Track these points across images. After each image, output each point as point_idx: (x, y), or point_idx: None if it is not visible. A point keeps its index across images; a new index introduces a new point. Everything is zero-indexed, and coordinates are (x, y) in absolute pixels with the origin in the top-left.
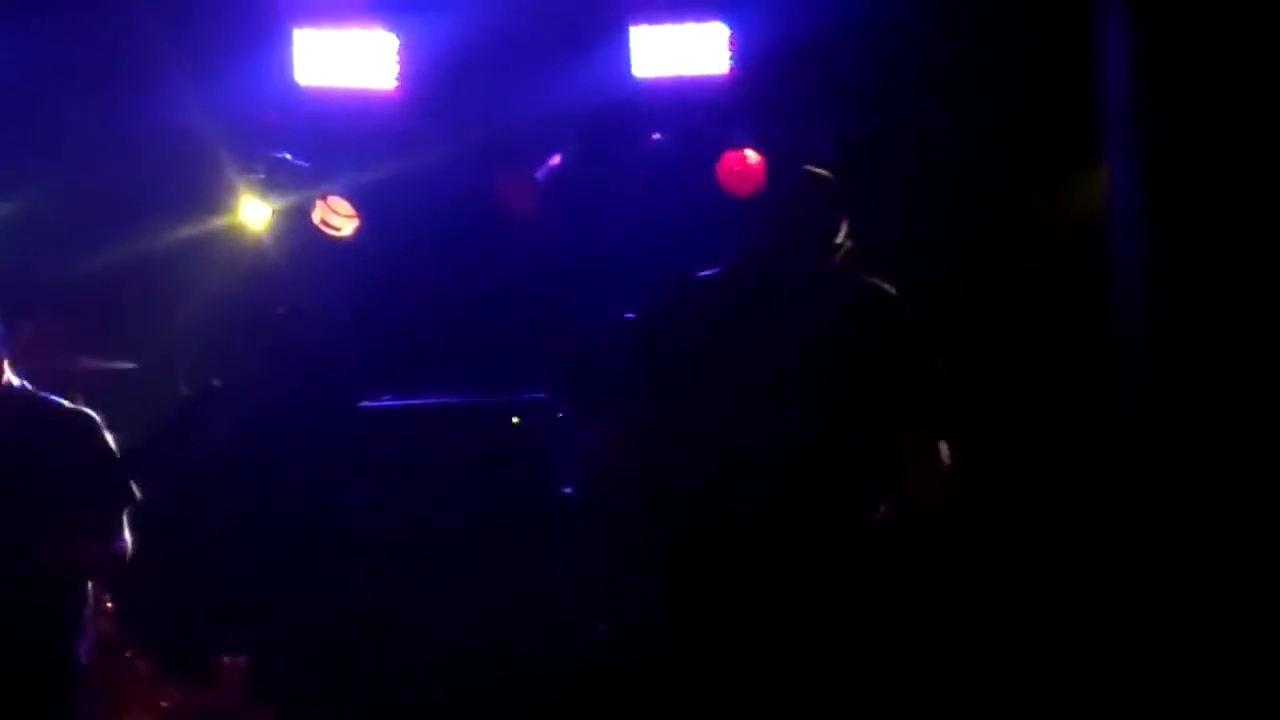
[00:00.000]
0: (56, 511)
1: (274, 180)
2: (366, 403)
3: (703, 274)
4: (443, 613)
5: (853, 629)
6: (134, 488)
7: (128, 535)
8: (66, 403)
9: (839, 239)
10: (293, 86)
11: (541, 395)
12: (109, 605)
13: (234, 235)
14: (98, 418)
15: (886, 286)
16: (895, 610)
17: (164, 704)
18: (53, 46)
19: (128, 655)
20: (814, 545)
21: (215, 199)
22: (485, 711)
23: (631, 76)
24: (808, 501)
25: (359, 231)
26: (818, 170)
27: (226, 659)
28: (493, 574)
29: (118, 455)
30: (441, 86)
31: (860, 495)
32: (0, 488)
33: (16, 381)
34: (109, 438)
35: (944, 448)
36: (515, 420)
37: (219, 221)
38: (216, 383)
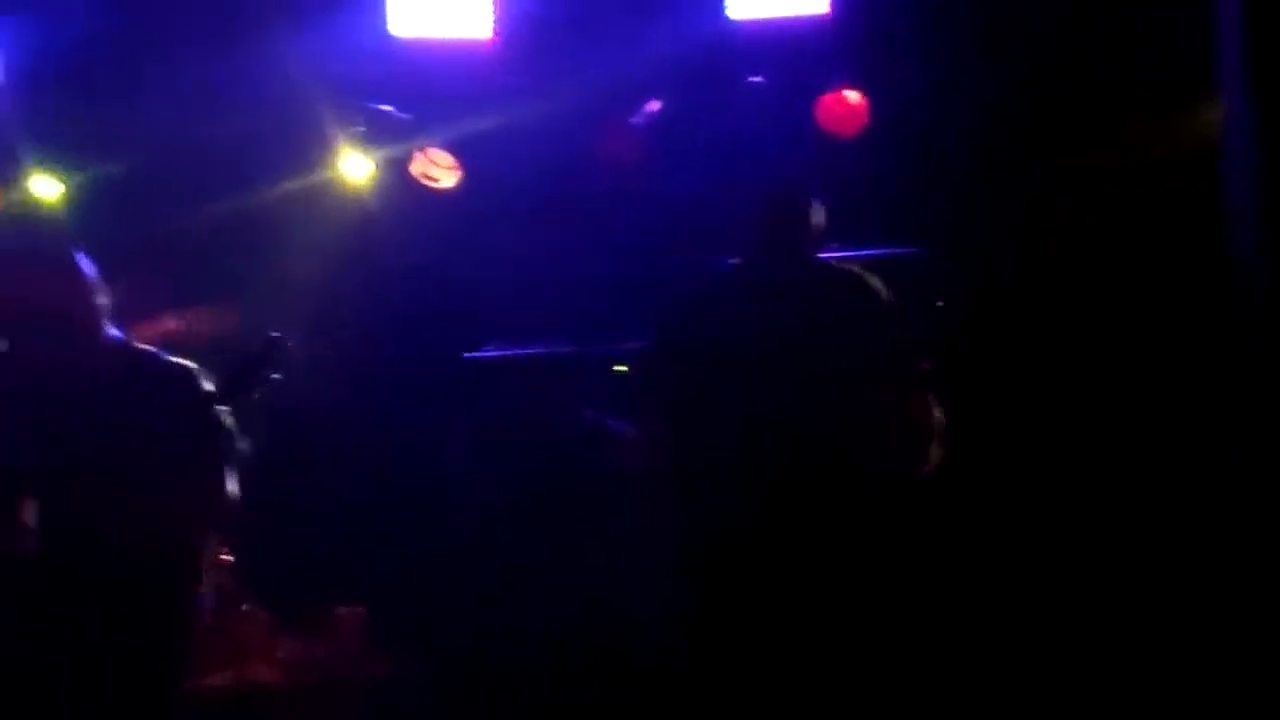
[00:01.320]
0: (161, 463)
1: (374, 133)
2: (470, 354)
3: (713, 271)
4: (549, 562)
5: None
6: (238, 439)
7: (234, 486)
8: (165, 355)
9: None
10: (388, 38)
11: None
12: (225, 558)
13: (335, 190)
14: (197, 369)
15: (865, 276)
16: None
17: (282, 655)
18: (150, 4)
19: (245, 608)
20: (830, 522)
21: (316, 154)
22: (591, 663)
23: (727, 18)
24: (822, 484)
25: (460, 183)
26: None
27: (344, 610)
28: (597, 526)
29: (220, 406)
30: (538, 33)
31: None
32: (104, 441)
33: (118, 338)
34: (210, 388)
35: (936, 412)
36: (620, 369)
37: (320, 177)
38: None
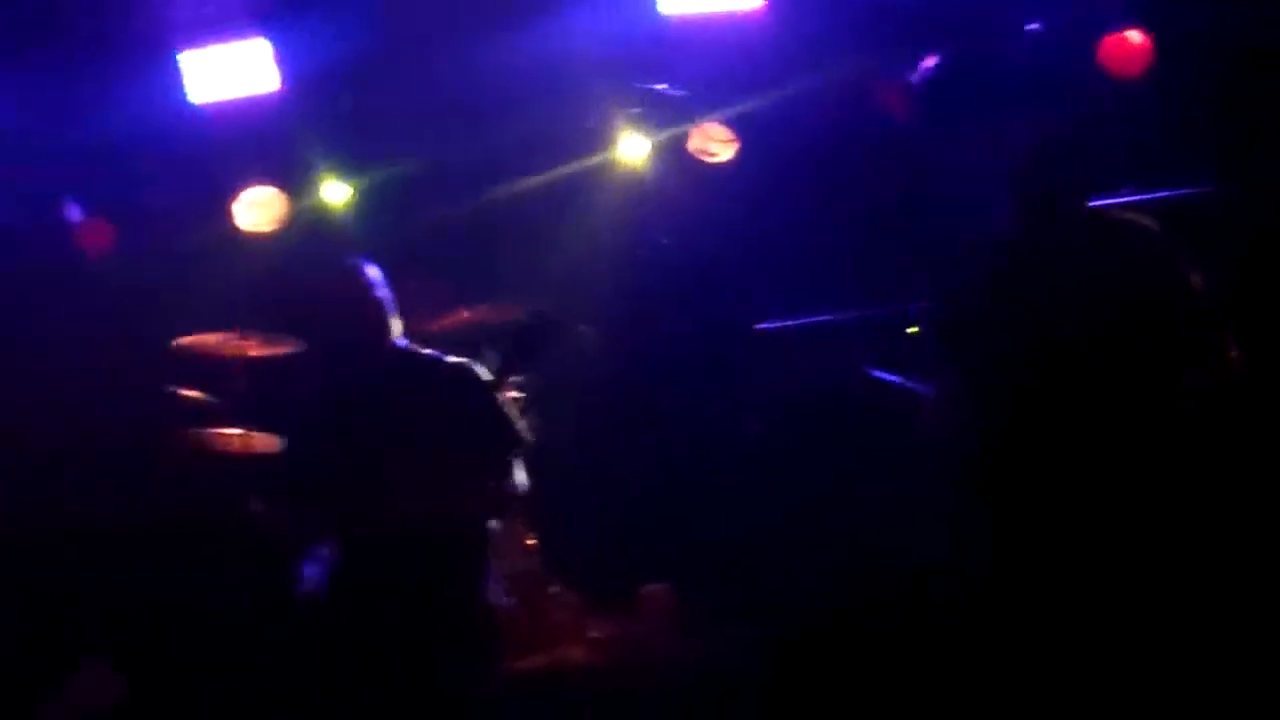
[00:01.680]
0: (450, 460)
1: (651, 112)
2: (762, 325)
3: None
4: (851, 526)
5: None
6: (522, 431)
7: (521, 476)
8: (448, 357)
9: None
10: (658, 17)
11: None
12: (532, 543)
13: (614, 170)
14: (479, 367)
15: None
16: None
17: (593, 636)
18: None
19: (554, 591)
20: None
21: (594, 137)
22: (898, 632)
23: None
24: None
25: (737, 155)
26: None
27: (651, 589)
28: (895, 488)
29: (501, 402)
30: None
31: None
32: (394, 442)
33: (402, 342)
34: (488, 378)
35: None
36: (912, 330)
37: (599, 159)
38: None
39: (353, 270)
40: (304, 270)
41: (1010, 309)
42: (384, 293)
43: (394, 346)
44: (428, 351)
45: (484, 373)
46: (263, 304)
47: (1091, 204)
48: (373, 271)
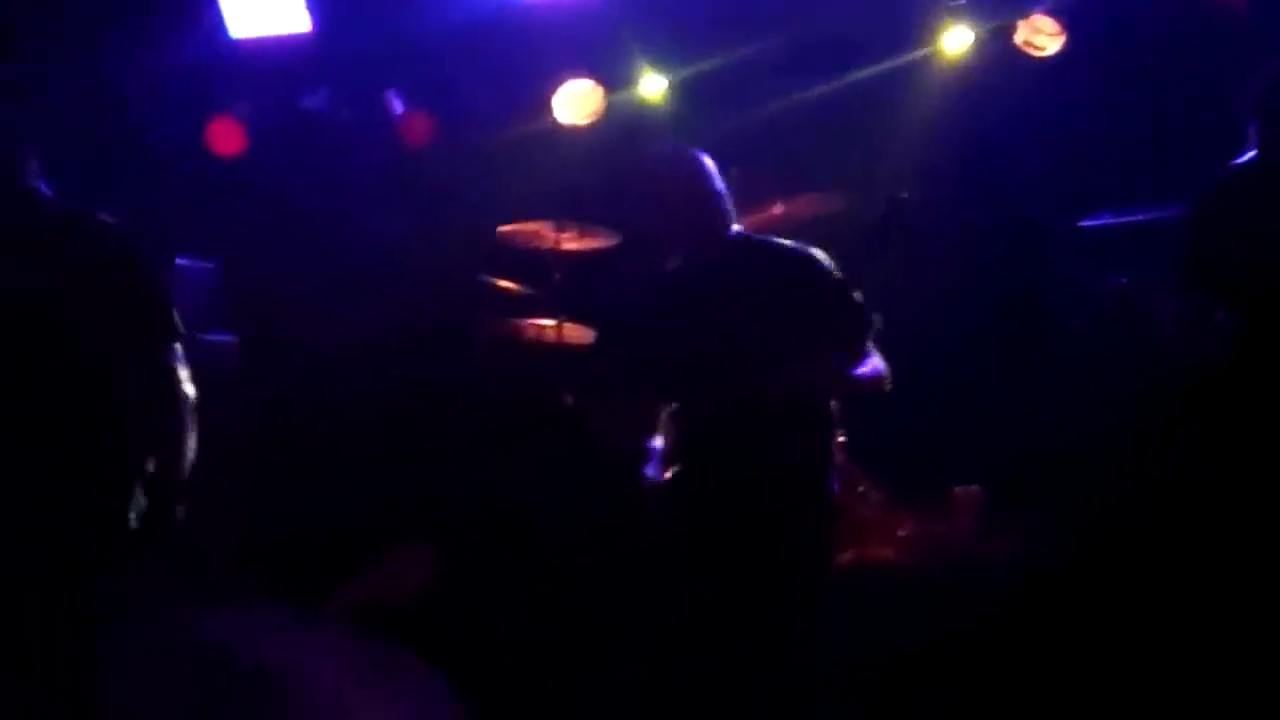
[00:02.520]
0: (793, 341)
1: (975, 4)
2: (1086, 220)
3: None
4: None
5: None
6: (863, 315)
7: (878, 361)
8: (788, 242)
9: None
10: None
11: None
12: (841, 440)
13: (937, 64)
14: (819, 253)
15: None
16: None
17: (900, 533)
18: None
19: (861, 489)
20: None
21: (918, 29)
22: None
23: None
24: None
25: (1064, 49)
26: None
27: (960, 489)
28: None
29: (842, 283)
30: None
31: None
32: (736, 326)
33: (736, 228)
34: (832, 269)
35: None
36: None
37: (922, 52)
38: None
39: (690, 159)
40: (622, 163)
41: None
42: (720, 183)
43: (732, 235)
44: (767, 239)
45: (825, 257)
46: (585, 196)
47: None
48: (708, 162)
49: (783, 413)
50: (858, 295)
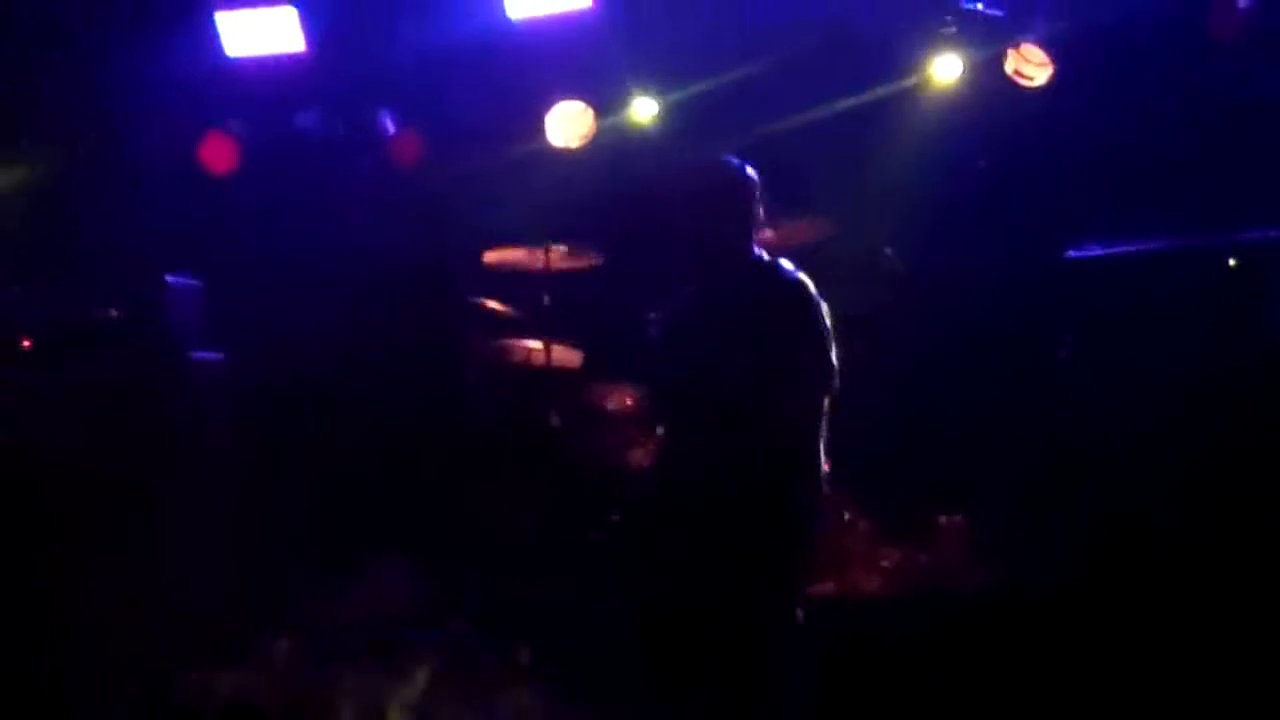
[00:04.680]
0: (790, 367)
1: (966, 33)
2: (1073, 252)
3: None
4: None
5: None
6: (832, 355)
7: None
8: (791, 269)
9: None
10: None
11: (1262, 234)
12: (826, 468)
13: (927, 93)
14: (810, 284)
15: None
16: None
17: (884, 563)
18: None
19: (847, 517)
20: None
21: (907, 58)
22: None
23: None
24: None
25: (1052, 79)
26: None
27: (944, 519)
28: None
29: (827, 321)
30: None
31: None
32: (737, 348)
33: (756, 252)
34: (820, 304)
35: None
36: (1231, 263)
37: (912, 80)
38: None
39: (731, 174)
40: (615, 186)
41: None
42: (750, 211)
43: (753, 260)
44: (777, 261)
45: (813, 290)
46: (575, 217)
47: None
48: (752, 173)
49: (773, 439)
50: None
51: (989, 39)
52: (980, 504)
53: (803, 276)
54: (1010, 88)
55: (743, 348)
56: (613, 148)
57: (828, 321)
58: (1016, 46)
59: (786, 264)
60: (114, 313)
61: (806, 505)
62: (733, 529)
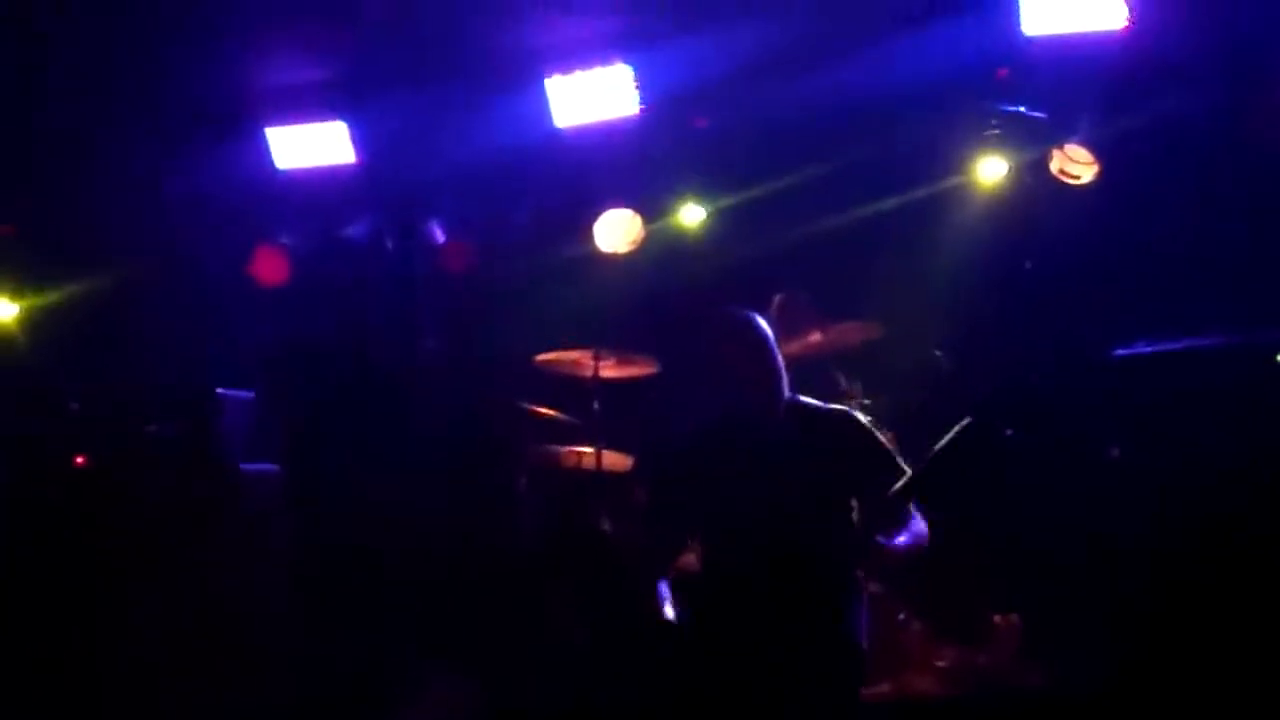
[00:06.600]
0: (833, 495)
1: (1010, 134)
2: (1121, 350)
3: None
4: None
5: None
6: (903, 467)
7: (919, 524)
8: (826, 405)
9: None
10: (1020, 38)
11: None
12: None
13: (973, 193)
14: (856, 412)
15: None
16: None
17: (940, 664)
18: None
19: (901, 618)
20: None
21: (952, 159)
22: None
23: None
24: None
25: (1098, 177)
26: None
27: (999, 618)
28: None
29: (882, 445)
30: (1170, 19)
31: None
32: (791, 482)
33: (789, 394)
34: (870, 430)
35: None
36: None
37: (957, 181)
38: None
39: (761, 335)
40: (664, 293)
41: None
42: (778, 359)
43: (786, 401)
44: (810, 403)
45: (862, 417)
46: (634, 330)
47: None
48: (765, 327)
49: (813, 573)
50: (899, 462)
51: (1032, 140)
52: (1034, 603)
53: (850, 414)
54: (1054, 188)
55: (789, 485)
56: (661, 253)
57: (891, 458)
58: (1062, 146)
59: (830, 406)
60: (168, 429)
61: (856, 623)
62: (789, 653)
